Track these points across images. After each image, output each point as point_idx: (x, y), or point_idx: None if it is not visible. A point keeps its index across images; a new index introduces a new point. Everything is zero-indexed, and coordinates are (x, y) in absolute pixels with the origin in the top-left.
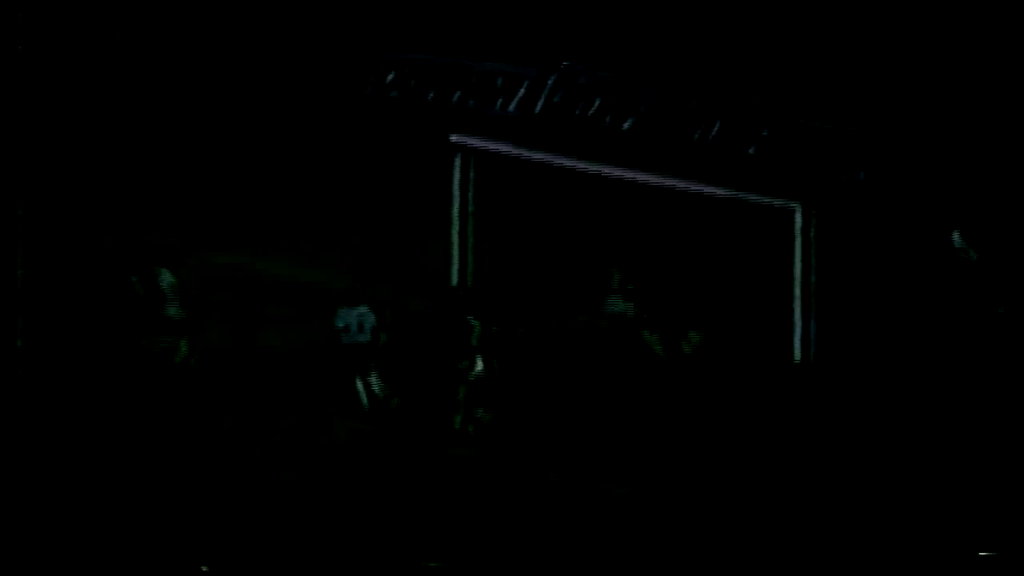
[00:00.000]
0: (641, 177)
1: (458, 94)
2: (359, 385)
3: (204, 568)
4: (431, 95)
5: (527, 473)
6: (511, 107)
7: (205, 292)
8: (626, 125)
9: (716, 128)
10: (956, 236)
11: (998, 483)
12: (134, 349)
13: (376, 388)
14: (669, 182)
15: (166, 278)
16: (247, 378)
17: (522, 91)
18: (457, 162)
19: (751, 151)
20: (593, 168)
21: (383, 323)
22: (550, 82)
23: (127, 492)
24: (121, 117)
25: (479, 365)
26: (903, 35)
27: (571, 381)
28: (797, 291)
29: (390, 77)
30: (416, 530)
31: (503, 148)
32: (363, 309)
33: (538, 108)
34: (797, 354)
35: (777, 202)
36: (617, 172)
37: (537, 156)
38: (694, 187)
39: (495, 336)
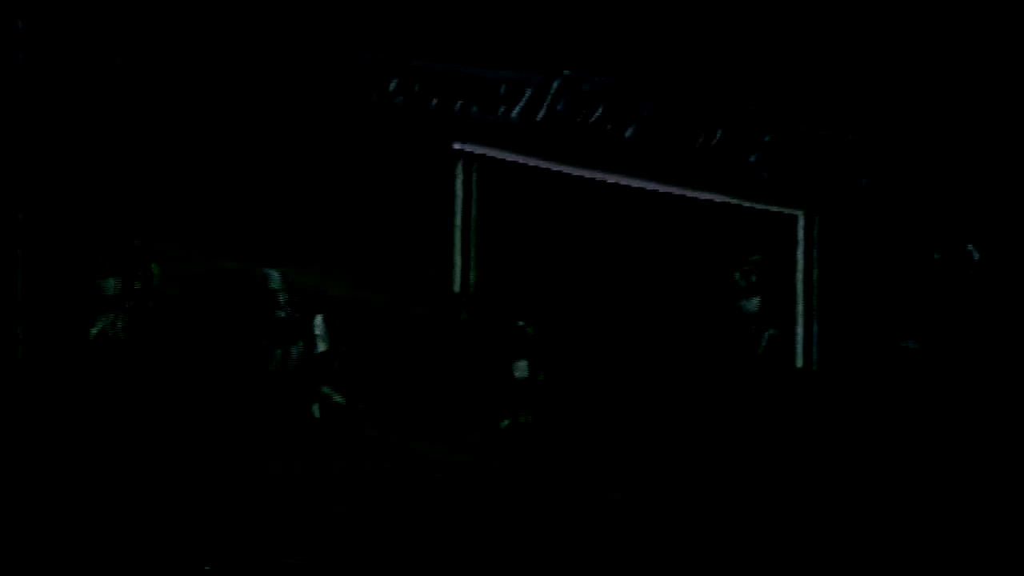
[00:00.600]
0: (643, 184)
1: (461, 101)
2: (314, 394)
3: (207, 568)
4: (434, 102)
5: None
6: (513, 114)
7: (206, 297)
8: (628, 132)
9: (718, 135)
10: (971, 248)
11: (1000, 486)
12: (134, 350)
13: (334, 396)
14: (671, 189)
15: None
16: (250, 380)
17: (525, 98)
18: (459, 169)
19: (753, 158)
20: (595, 175)
21: (337, 332)
22: (552, 89)
23: (129, 491)
24: (122, 122)
25: (524, 369)
26: (904, 42)
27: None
28: (800, 298)
29: (393, 84)
30: (420, 534)
31: (505, 155)
32: (318, 320)
33: (540, 115)
34: (799, 361)
35: (780, 209)
36: (619, 179)
37: (539, 163)
38: (697, 194)
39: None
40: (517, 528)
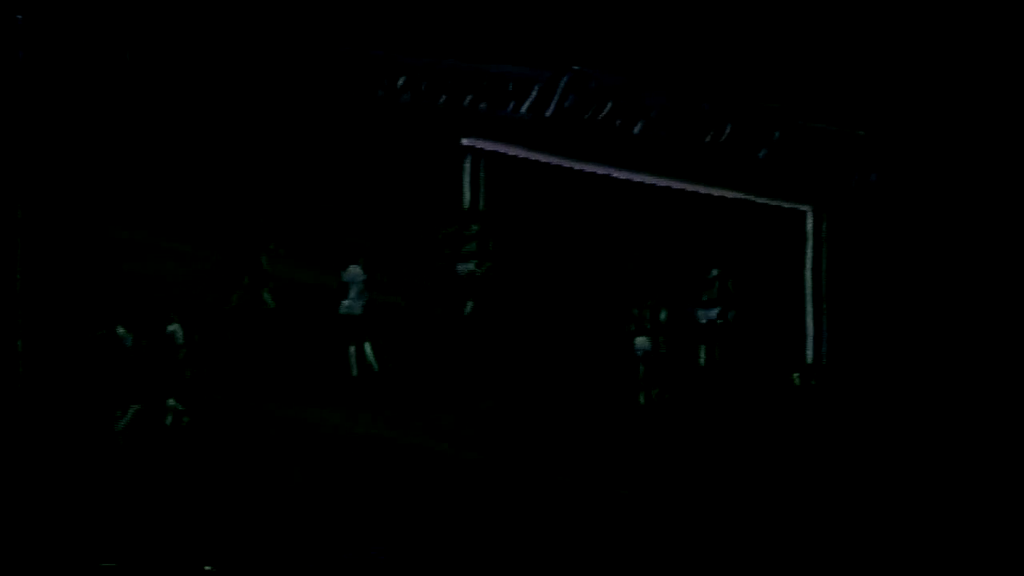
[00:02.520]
0: (652, 180)
1: (469, 97)
2: (171, 401)
3: (208, 568)
4: (442, 98)
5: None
6: (522, 110)
7: (210, 293)
8: (637, 128)
9: (727, 131)
10: None
11: (1007, 483)
12: (133, 347)
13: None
14: (680, 185)
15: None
16: (252, 378)
17: (533, 94)
18: (468, 165)
19: (762, 154)
20: (604, 171)
21: (193, 332)
22: (561, 85)
23: (130, 491)
24: (125, 119)
25: (648, 344)
26: (913, 38)
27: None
28: (809, 293)
29: (402, 81)
30: (426, 532)
31: (514, 151)
32: (175, 326)
33: (549, 111)
34: (809, 356)
35: (788, 205)
36: (628, 175)
37: (548, 159)
38: (705, 190)
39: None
40: (523, 524)
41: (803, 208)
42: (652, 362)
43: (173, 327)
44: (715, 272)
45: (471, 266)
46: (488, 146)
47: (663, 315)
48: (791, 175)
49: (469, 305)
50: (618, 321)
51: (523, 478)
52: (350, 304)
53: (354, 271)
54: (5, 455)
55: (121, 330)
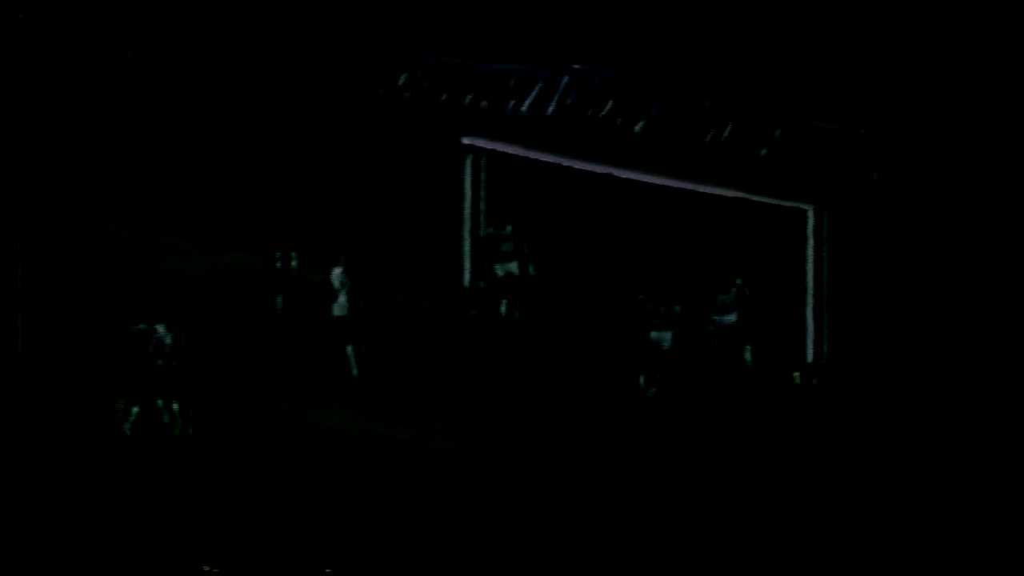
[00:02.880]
0: (652, 179)
1: (470, 96)
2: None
3: (207, 568)
4: (443, 97)
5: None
6: (523, 109)
7: (212, 292)
8: (638, 127)
9: (728, 130)
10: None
11: (1008, 481)
12: (134, 346)
13: (172, 409)
14: (681, 183)
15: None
16: (250, 377)
17: (534, 93)
18: (468, 164)
19: (763, 152)
20: (605, 170)
21: (177, 343)
22: (562, 84)
23: (129, 491)
24: (127, 117)
25: (656, 339)
26: (914, 37)
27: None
28: (810, 292)
29: (402, 79)
30: (423, 531)
31: (515, 150)
32: (161, 328)
33: (550, 110)
34: (810, 354)
35: (790, 203)
36: (628, 174)
37: (549, 158)
38: (706, 188)
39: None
40: (523, 522)
41: (804, 207)
42: (655, 360)
43: (160, 331)
44: (739, 281)
45: (509, 268)
46: (489, 145)
47: (677, 310)
48: (792, 173)
49: (476, 304)
50: (620, 319)
51: (525, 475)
52: (341, 305)
53: (337, 273)
54: (5, 452)
55: (161, 328)
